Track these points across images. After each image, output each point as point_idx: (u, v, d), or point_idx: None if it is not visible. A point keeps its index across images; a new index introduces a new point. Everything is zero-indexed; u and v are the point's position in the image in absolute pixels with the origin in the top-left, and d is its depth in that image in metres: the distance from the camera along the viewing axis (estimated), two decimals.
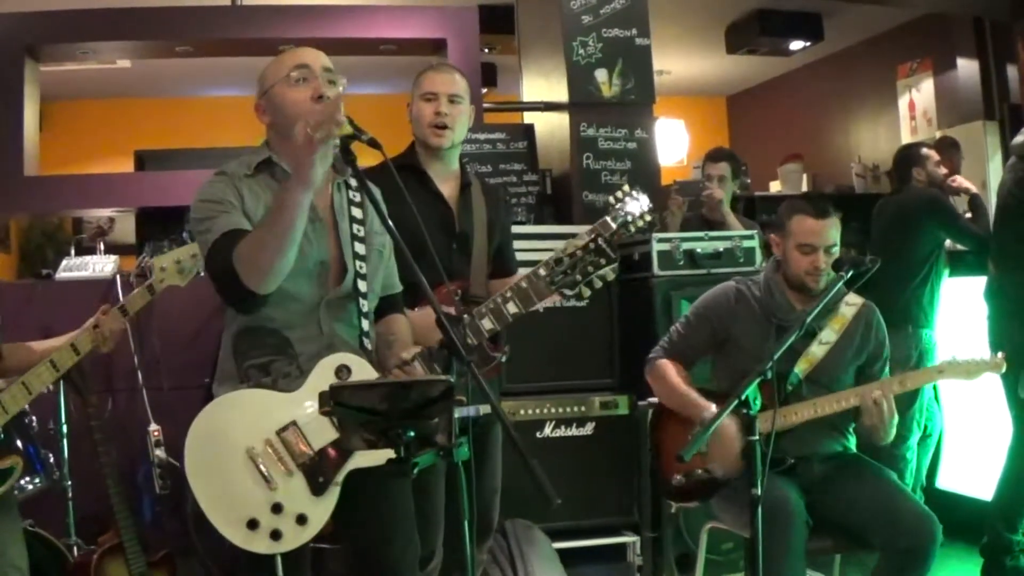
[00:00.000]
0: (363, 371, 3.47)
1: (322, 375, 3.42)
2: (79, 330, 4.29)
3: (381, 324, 3.82)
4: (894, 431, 4.43)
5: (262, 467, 3.34)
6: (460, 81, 4.59)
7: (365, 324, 3.61)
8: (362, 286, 3.60)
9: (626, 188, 4.14)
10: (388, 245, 3.79)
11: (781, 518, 4.17)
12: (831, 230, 4.61)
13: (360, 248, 3.63)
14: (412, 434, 2.73)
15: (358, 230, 3.64)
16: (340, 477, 3.40)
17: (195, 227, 3.53)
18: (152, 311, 6.13)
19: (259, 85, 3.60)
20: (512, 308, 3.78)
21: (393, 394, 2.74)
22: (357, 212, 3.67)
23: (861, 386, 4.49)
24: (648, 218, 4.12)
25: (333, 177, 3.65)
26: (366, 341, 3.60)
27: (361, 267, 3.61)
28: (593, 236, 3.80)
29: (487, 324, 3.76)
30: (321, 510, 3.38)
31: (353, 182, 3.67)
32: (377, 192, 3.49)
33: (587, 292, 3.93)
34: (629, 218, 4.10)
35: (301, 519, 3.34)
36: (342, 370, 3.43)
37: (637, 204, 4.13)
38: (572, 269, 3.77)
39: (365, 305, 3.61)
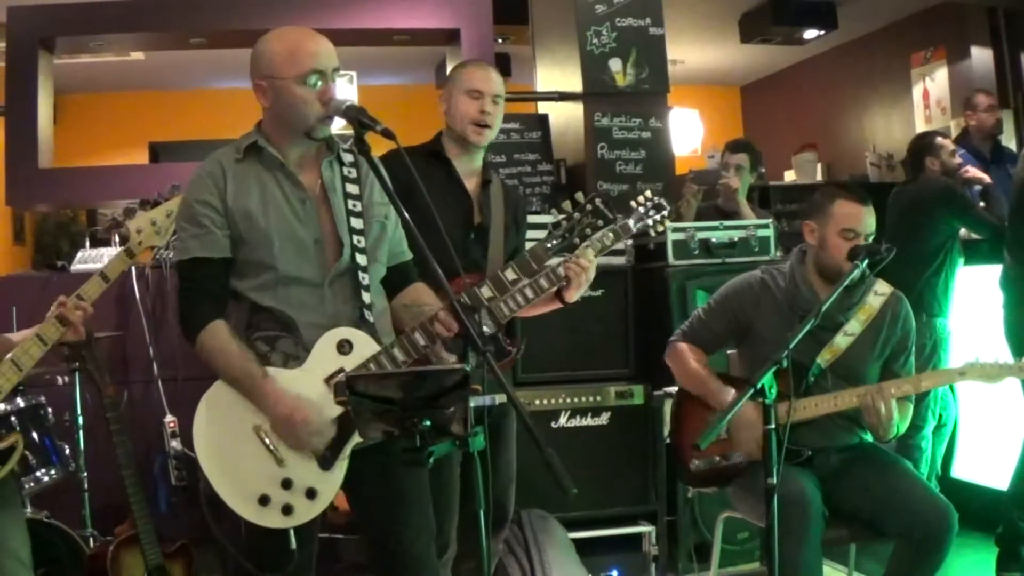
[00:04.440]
0: (364, 345, 3.48)
1: (324, 351, 3.46)
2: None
3: (406, 296, 3.79)
4: (899, 429, 4.42)
5: (270, 444, 3.38)
6: (501, 82, 4.61)
7: (366, 297, 3.58)
8: (361, 259, 3.59)
9: (648, 194, 4.15)
10: (392, 216, 3.74)
11: (798, 509, 4.15)
12: (872, 217, 4.53)
13: (357, 223, 3.62)
14: (428, 423, 2.73)
15: (354, 205, 3.63)
16: (347, 451, 3.43)
17: (177, 220, 3.66)
18: (167, 301, 6.16)
19: (263, 65, 3.56)
20: (511, 275, 3.75)
21: (409, 383, 2.75)
22: (352, 188, 3.66)
23: (863, 386, 4.46)
24: (667, 224, 4.15)
25: (322, 154, 3.65)
26: (367, 313, 3.57)
27: (359, 241, 3.60)
28: (591, 197, 3.79)
29: (486, 292, 3.72)
30: (330, 484, 3.42)
31: (348, 157, 3.67)
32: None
33: (591, 255, 3.93)
34: (650, 222, 4.12)
35: (311, 493, 3.39)
36: (343, 344, 3.46)
37: (658, 210, 4.15)
38: (570, 232, 3.77)
39: (365, 278, 3.59)
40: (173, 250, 4.42)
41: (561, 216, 3.81)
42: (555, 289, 4.00)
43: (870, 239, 4.53)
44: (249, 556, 3.47)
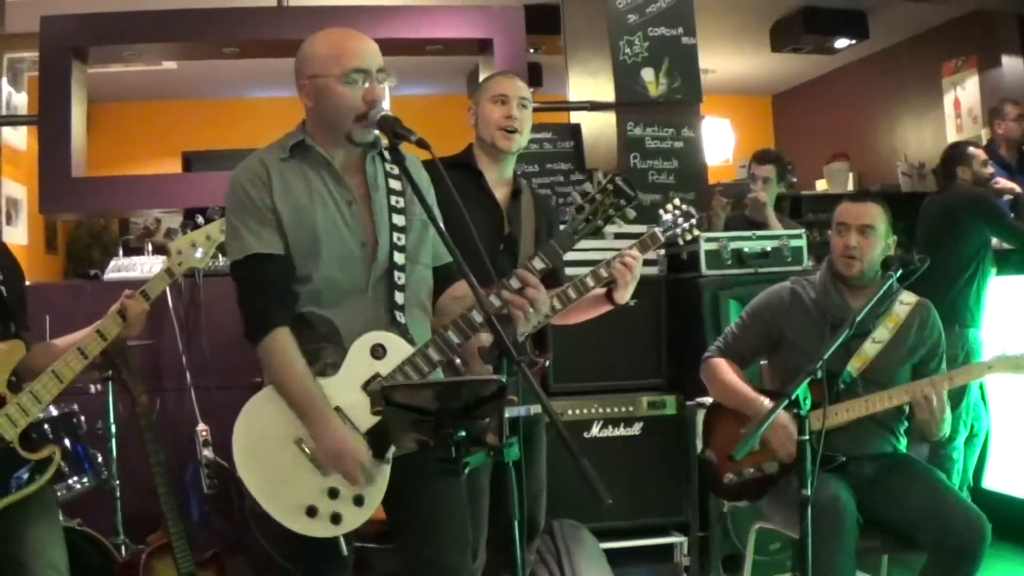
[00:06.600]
0: (398, 348, 3.44)
1: (358, 356, 3.43)
2: (103, 318, 4.26)
3: (457, 289, 3.74)
4: (947, 427, 4.41)
5: (313, 456, 3.37)
6: (526, 88, 4.63)
7: (399, 297, 3.54)
8: (399, 258, 3.55)
9: (677, 201, 4.15)
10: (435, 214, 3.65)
11: (832, 518, 4.15)
12: (865, 210, 4.64)
13: (399, 219, 3.58)
14: (463, 434, 2.73)
15: (397, 202, 3.60)
16: (391, 454, 3.40)
17: (227, 218, 3.61)
18: (200, 310, 6.17)
19: (307, 65, 3.55)
20: (539, 264, 3.67)
21: (444, 393, 2.74)
22: (395, 184, 3.62)
23: (912, 382, 4.48)
24: (696, 232, 4.14)
25: (365, 152, 3.61)
26: (399, 315, 3.53)
27: (399, 239, 3.56)
28: (610, 177, 3.77)
29: (514, 284, 3.70)
30: (376, 489, 3.41)
31: (388, 153, 3.60)
32: (425, 177, 3.60)
33: (636, 253, 3.92)
34: (678, 231, 4.11)
35: (358, 500, 3.39)
36: (377, 349, 3.42)
37: (686, 218, 4.14)
38: (594, 215, 3.74)
39: (401, 278, 3.54)
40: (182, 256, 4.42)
41: (584, 199, 3.80)
42: (604, 291, 4.02)
43: (870, 233, 4.61)
44: (297, 564, 3.46)
